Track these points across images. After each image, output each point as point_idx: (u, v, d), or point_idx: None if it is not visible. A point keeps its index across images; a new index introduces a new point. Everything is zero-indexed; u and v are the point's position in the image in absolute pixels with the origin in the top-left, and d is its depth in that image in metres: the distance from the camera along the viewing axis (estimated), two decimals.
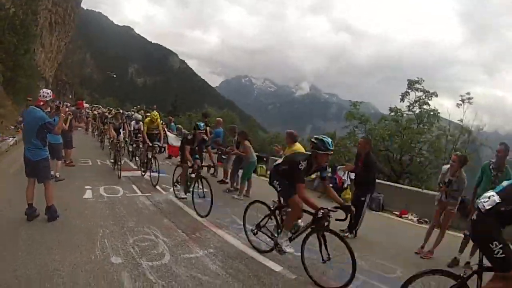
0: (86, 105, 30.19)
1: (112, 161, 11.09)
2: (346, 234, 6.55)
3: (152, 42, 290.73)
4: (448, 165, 6.53)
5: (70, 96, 71.08)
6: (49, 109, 6.18)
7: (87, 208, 6.49)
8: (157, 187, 8.85)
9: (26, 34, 25.12)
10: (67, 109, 9.94)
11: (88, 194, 7.56)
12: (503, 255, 2.96)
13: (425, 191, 10.93)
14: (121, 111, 13.54)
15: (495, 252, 2.98)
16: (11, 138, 14.29)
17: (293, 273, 4.56)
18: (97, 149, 16.33)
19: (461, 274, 3.29)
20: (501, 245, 2.97)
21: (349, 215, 4.44)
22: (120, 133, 12.28)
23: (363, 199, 6.88)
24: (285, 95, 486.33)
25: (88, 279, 3.79)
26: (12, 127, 17.86)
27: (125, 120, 13.56)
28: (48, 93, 5.83)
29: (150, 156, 9.77)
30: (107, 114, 20.43)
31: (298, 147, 7.97)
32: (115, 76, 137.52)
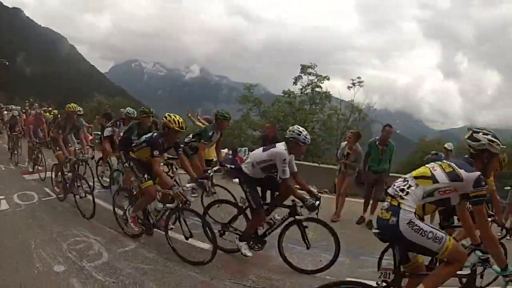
0: None
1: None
2: None
3: (42, 26, 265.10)
4: (346, 142, 7.99)
5: None
6: None
7: (8, 221, 6.26)
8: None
9: None
10: None
11: (3, 205, 7.18)
12: None
13: (321, 165, 12.33)
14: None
15: None
16: None
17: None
18: None
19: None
20: None
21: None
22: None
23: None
24: (175, 78, 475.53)
25: None
26: None
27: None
28: None
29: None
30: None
31: None
32: (7, 63, 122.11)
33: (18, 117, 12.99)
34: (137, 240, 5.39)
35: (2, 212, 6.88)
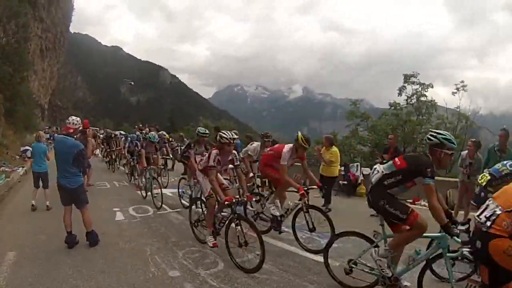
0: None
1: None
2: None
3: (142, 60, 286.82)
4: (466, 151, 7.68)
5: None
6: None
7: (124, 229, 6.61)
8: (183, 201, 8.72)
9: (21, 62, 24.99)
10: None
11: (119, 216, 7.65)
12: None
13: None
14: None
15: None
16: (20, 168, 14.29)
17: (336, 260, 4.67)
18: (109, 171, 16.37)
19: None
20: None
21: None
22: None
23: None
24: (278, 99, 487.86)
25: None
26: (17, 157, 17.75)
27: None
28: (78, 121, 5.88)
29: None
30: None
31: (335, 150, 9.22)
32: (132, 83, 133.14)
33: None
34: (254, 252, 5.03)
35: (118, 221, 7.30)
